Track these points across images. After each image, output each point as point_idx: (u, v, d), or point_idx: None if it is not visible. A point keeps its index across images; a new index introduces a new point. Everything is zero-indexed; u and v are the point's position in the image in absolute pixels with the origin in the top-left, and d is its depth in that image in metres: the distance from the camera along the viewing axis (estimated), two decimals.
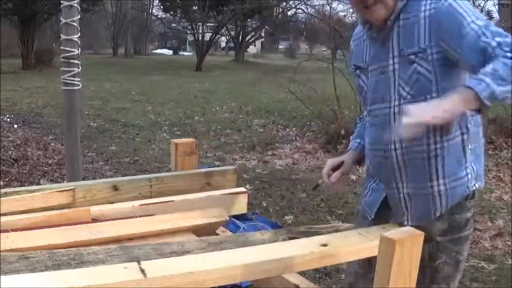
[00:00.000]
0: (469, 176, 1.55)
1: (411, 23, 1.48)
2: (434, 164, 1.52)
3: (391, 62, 1.52)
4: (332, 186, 1.76)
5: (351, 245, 1.45)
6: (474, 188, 1.58)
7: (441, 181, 1.53)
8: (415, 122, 1.32)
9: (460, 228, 1.59)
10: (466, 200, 1.57)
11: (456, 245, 1.60)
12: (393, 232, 1.25)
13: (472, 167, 1.56)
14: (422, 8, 1.46)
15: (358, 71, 1.66)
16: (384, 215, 1.66)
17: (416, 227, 1.56)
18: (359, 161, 1.81)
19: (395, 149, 1.54)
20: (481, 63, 1.34)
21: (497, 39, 1.35)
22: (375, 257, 1.29)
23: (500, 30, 1.40)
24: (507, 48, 1.33)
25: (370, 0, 1.48)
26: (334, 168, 1.74)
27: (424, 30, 1.45)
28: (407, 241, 1.23)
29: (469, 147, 1.54)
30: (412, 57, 1.47)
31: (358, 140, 1.82)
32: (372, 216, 1.67)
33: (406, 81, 1.49)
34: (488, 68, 1.31)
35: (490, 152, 6.80)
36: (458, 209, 1.57)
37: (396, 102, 1.52)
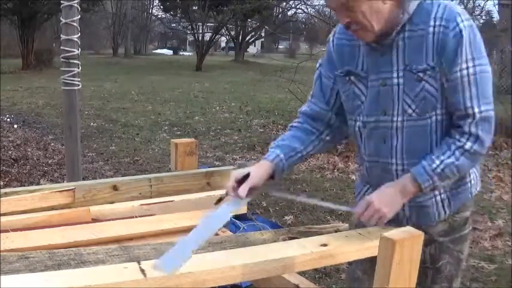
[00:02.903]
0: (472, 181, 1.57)
1: (418, 37, 1.40)
2: None
3: (394, 75, 1.45)
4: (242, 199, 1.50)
5: (351, 245, 1.45)
6: (475, 192, 1.60)
7: (442, 190, 1.51)
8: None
9: (460, 228, 1.59)
10: (466, 201, 1.59)
11: (457, 245, 1.59)
12: (393, 232, 1.25)
13: (475, 173, 1.58)
14: (431, 23, 1.38)
15: (352, 78, 1.53)
16: None
17: (417, 229, 1.57)
18: (273, 175, 1.59)
19: (396, 164, 1.50)
20: (456, 118, 1.43)
21: (483, 108, 1.39)
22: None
23: (489, 92, 1.41)
24: (480, 132, 1.39)
25: (353, 25, 1.41)
26: (240, 181, 1.50)
27: (432, 47, 1.39)
28: (407, 241, 1.23)
29: None
30: (421, 74, 1.41)
31: (278, 152, 1.60)
32: None
33: (412, 98, 1.43)
34: (444, 162, 1.40)
35: (490, 152, 6.79)
36: (458, 209, 1.57)
37: (400, 118, 1.46)
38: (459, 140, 1.41)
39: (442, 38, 1.37)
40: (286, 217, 4.28)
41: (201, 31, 25.38)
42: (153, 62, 27.70)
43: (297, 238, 1.49)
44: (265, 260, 1.33)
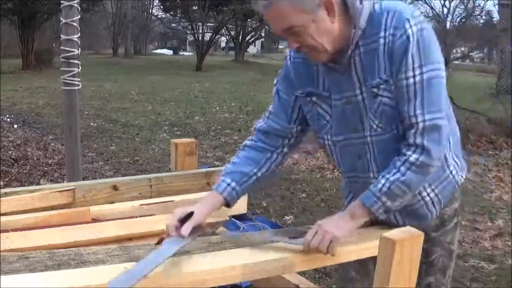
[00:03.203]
0: (453, 172, 1.54)
1: (372, 50, 1.36)
2: None
3: (358, 92, 1.41)
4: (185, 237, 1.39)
5: (351, 245, 1.45)
6: (461, 180, 1.58)
7: (429, 189, 1.50)
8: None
9: (450, 219, 1.59)
10: (454, 192, 1.58)
11: (447, 236, 1.60)
12: (393, 232, 1.25)
13: (455, 161, 1.54)
14: (382, 34, 1.33)
15: (314, 98, 1.49)
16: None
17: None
18: (227, 204, 1.54)
19: (374, 178, 1.48)
20: (405, 129, 1.38)
21: (427, 117, 1.34)
22: (371, 261, 1.28)
23: (438, 100, 1.35)
24: (426, 143, 1.34)
25: (303, 49, 1.37)
26: (183, 220, 1.42)
27: (383, 59, 1.34)
28: (407, 241, 1.23)
29: (449, 148, 1.51)
30: (375, 90, 1.37)
31: (229, 180, 1.52)
32: None
33: (374, 114, 1.41)
34: (389, 180, 1.36)
35: (490, 152, 6.80)
36: (448, 202, 1.57)
37: (368, 133, 1.44)
38: (404, 154, 1.37)
39: (391, 47, 1.32)
40: (286, 217, 4.28)
41: (201, 31, 25.36)
42: (153, 62, 27.69)
43: (297, 238, 1.49)
44: (265, 260, 1.34)
